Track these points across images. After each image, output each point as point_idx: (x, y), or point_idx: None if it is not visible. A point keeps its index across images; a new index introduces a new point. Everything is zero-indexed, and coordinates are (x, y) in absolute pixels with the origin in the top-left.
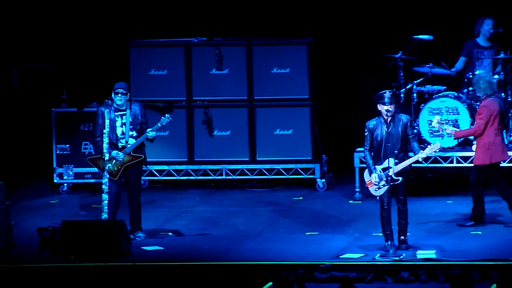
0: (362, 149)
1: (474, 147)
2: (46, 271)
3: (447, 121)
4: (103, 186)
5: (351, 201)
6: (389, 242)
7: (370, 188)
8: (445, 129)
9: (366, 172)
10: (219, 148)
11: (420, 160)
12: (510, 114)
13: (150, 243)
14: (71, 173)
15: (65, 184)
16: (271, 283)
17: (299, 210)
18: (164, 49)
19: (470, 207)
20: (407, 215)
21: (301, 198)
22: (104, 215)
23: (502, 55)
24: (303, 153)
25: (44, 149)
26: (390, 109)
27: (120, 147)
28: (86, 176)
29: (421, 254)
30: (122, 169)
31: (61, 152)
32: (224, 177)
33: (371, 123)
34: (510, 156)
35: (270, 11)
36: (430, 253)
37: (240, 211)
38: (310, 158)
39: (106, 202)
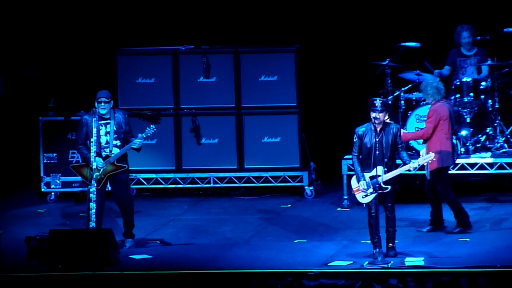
0: (350, 156)
1: (422, 152)
2: (34, 280)
3: None
4: (91, 195)
5: (339, 209)
6: (377, 250)
7: (357, 195)
8: None
9: (353, 179)
10: (207, 156)
11: (412, 169)
12: (497, 121)
13: (138, 251)
14: (58, 182)
15: (53, 193)
16: None
17: (288, 218)
18: (152, 57)
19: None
20: (395, 222)
21: (289, 205)
22: (92, 224)
23: (489, 62)
24: (291, 160)
25: (31, 158)
26: (378, 117)
27: (104, 156)
28: (73, 185)
29: (409, 261)
30: (106, 178)
31: (48, 161)
32: (212, 185)
33: (361, 130)
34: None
35: (257, 19)
36: (419, 260)
37: (228, 219)
38: (298, 165)
39: (94, 211)
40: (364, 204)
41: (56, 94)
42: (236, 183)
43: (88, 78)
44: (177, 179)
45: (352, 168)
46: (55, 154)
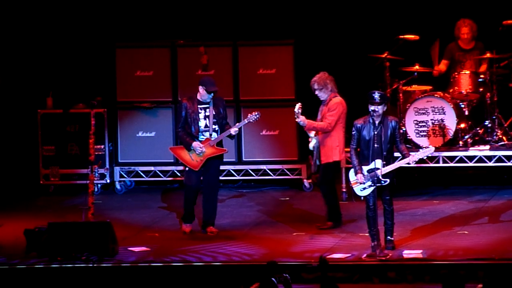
0: (348, 149)
1: (312, 145)
2: (33, 272)
3: (433, 121)
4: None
5: None
6: (376, 242)
7: (355, 188)
8: (298, 117)
9: (351, 172)
10: None
11: (411, 163)
12: (496, 114)
13: (136, 244)
14: (57, 174)
15: (52, 186)
16: (258, 283)
17: (286, 211)
18: (150, 50)
19: (457, 207)
20: (393, 215)
21: (287, 198)
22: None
23: (488, 55)
24: (290, 153)
25: (30, 150)
26: (376, 110)
27: (203, 140)
28: (72, 177)
29: (407, 254)
30: (205, 161)
31: (47, 154)
32: None
33: (359, 122)
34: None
35: (255, 12)
36: (417, 253)
37: (227, 211)
38: (296, 158)
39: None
40: (362, 197)
41: (54, 87)
42: (235, 176)
43: (87, 70)
44: (176, 172)
45: (350, 160)
46: (53, 147)
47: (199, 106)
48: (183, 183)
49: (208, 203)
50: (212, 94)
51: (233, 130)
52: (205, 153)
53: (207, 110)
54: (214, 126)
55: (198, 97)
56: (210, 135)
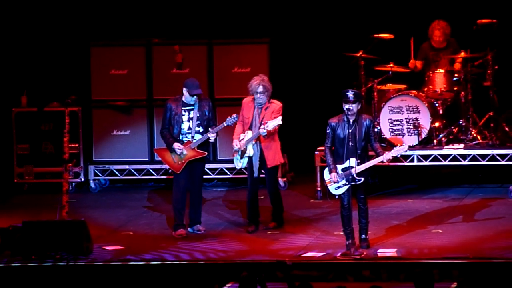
0: (323, 148)
1: (251, 151)
2: (7, 271)
3: (407, 120)
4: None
5: (312, 200)
6: (350, 241)
7: (329, 187)
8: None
9: (326, 171)
10: None
11: (385, 161)
12: (470, 113)
13: (111, 242)
14: (31, 173)
15: (26, 184)
16: (232, 282)
17: (261, 209)
18: (125, 48)
19: (432, 205)
20: (368, 213)
21: (262, 197)
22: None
23: (462, 53)
24: None
25: (4, 149)
26: (351, 108)
27: (185, 142)
28: (46, 176)
29: (382, 252)
30: (186, 163)
31: (21, 152)
32: None
33: (333, 121)
34: None
35: (230, 11)
36: (391, 252)
37: (202, 210)
38: None
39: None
40: (336, 196)
41: (29, 85)
42: (210, 174)
43: (61, 69)
44: (150, 170)
45: (325, 159)
46: (28, 145)
47: (183, 108)
48: (173, 188)
49: (193, 203)
50: (195, 96)
51: (211, 135)
52: (186, 155)
53: (191, 112)
54: (197, 128)
55: (183, 98)
56: (192, 137)
